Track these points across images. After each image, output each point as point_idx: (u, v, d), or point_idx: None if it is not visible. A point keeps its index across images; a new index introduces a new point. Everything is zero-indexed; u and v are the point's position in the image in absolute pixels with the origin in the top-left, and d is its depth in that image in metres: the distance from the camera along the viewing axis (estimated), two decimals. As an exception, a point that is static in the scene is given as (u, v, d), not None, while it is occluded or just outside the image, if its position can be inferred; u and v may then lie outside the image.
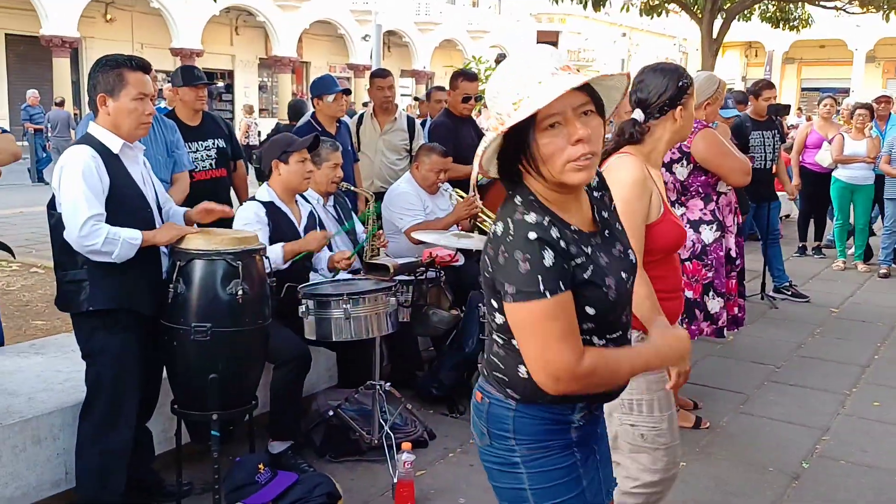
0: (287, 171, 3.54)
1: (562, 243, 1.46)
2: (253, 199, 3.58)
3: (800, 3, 14.13)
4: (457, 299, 4.06)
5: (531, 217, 1.46)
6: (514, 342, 1.54)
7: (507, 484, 1.62)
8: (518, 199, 1.51)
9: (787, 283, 6.49)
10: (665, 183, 3.70)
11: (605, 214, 1.65)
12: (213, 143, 4.48)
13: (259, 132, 17.17)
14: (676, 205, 3.69)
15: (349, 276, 3.67)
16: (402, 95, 32.99)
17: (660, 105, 2.32)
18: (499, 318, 1.55)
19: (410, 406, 3.69)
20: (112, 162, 2.68)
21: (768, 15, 14.56)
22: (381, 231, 4.30)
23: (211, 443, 2.81)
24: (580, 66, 38.81)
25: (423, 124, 6.30)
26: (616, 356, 1.54)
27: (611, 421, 2.33)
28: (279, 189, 3.57)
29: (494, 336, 1.61)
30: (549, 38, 40.15)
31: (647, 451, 2.29)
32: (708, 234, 3.63)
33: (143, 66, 2.76)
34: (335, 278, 3.57)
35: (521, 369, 1.55)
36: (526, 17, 37.96)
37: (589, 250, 1.52)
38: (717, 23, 13.44)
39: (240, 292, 2.72)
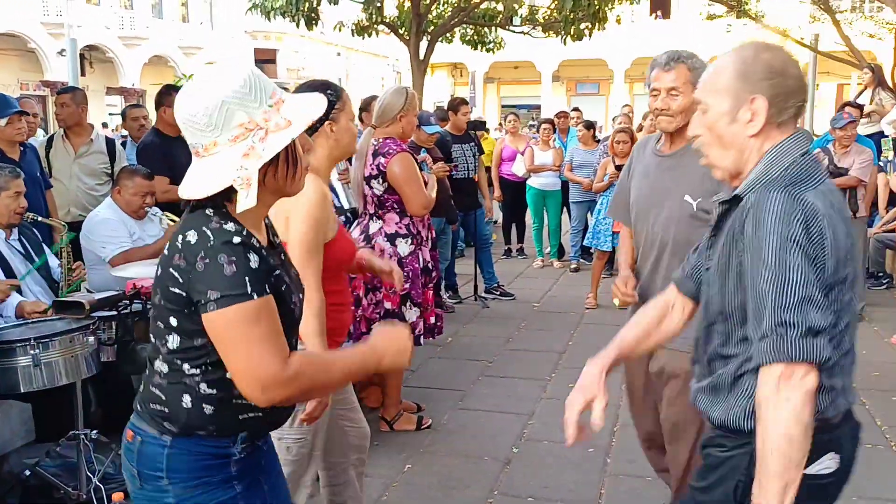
0: None
1: (263, 251, 1.48)
2: None
3: (493, 28, 15.53)
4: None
5: (230, 226, 1.45)
6: (185, 367, 1.50)
7: None
8: (210, 211, 1.47)
9: (496, 284, 7.08)
10: (365, 196, 3.84)
11: (275, 239, 1.68)
12: None
13: None
14: (374, 217, 3.84)
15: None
16: (110, 115, 30.52)
17: None
18: (172, 342, 1.49)
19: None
20: None
21: (468, 38, 15.80)
22: (78, 263, 3.95)
23: None
24: (300, 83, 38.86)
25: (123, 145, 5.89)
26: (325, 357, 1.55)
27: None
28: (-58, 226, 3.11)
29: (157, 365, 1.54)
30: (266, 56, 39.70)
31: (288, 464, 2.31)
32: (404, 247, 3.82)
33: None
34: (20, 322, 3.20)
35: (186, 399, 1.50)
36: (241, 34, 37.16)
37: (278, 264, 1.56)
38: (424, 44, 14.30)
39: None
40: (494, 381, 4.87)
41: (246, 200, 1.41)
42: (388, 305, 3.80)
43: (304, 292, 1.68)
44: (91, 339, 3.05)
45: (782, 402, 1.40)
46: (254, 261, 1.42)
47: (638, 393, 2.84)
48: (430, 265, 3.98)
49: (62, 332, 2.96)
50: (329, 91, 2.36)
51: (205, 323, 1.42)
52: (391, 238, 3.81)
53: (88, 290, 3.93)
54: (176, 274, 1.44)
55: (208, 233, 1.42)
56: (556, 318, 6.34)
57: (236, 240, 1.42)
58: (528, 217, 8.81)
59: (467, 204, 6.58)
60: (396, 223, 3.82)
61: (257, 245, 1.47)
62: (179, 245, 1.44)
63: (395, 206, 3.80)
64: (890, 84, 9.78)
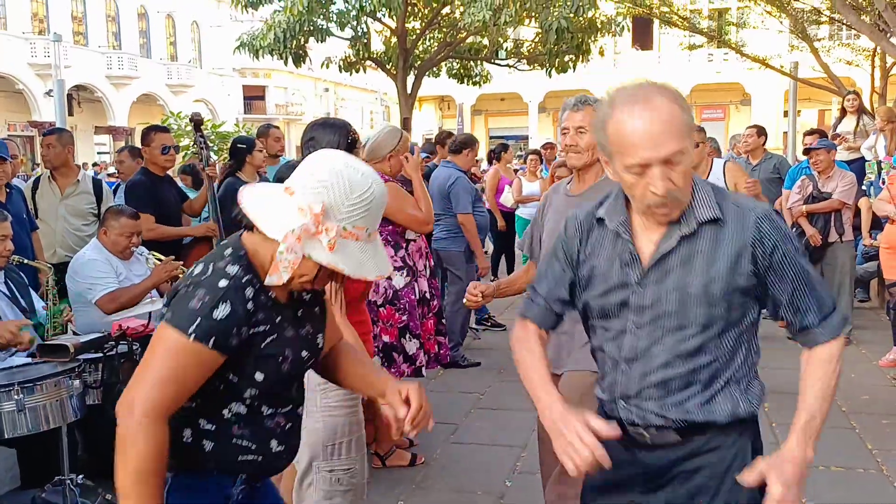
0: None
1: (249, 305, 1.46)
2: None
3: (479, 61, 15.74)
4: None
5: (232, 269, 1.47)
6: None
7: None
8: (228, 251, 1.51)
9: (487, 315, 7.06)
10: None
11: (305, 296, 1.67)
12: None
13: None
14: None
15: (23, 360, 3.28)
16: (98, 153, 30.57)
17: None
18: None
19: (110, 496, 3.36)
20: None
21: (454, 72, 15.99)
22: (65, 306, 3.92)
23: None
24: (289, 119, 39.24)
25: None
26: (155, 476, 1.41)
27: (308, 472, 2.36)
28: (-75, 269, 3.09)
29: None
30: (255, 93, 40.05)
31: (339, 494, 2.36)
32: (399, 280, 3.82)
33: None
34: (4, 367, 3.16)
35: (186, 433, 1.51)
36: (230, 71, 37.49)
37: (278, 319, 1.53)
38: (411, 79, 14.47)
39: None
40: (487, 413, 4.83)
41: (272, 278, 1.45)
42: (386, 339, 3.79)
43: (317, 350, 1.67)
44: (76, 382, 3.02)
45: (837, 368, 1.64)
46: (221, 311, 1.42)
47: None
48: (428, 294, 3.98)
49: (47, 376, 2.93)
50: (350, 131, 2.52)
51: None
52: None
53: (75, 332, 3.90)
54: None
55: (210, 268, 1.47)
56: (548, 348, 6.32)
57: (222, 283, 1.44)
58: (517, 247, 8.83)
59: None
60: (391, 257, 3.82)
61: (246, 297, 1.45)
62: (187, 274, 1.51)
63: (389, 238, 3.81)
64: (869, 109, 9.93)
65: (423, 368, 3.96)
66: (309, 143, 2.45)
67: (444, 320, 4.29)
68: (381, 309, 3.78)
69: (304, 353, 1.61)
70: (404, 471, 3.94)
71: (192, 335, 1.40)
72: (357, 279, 1.49)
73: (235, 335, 1.44)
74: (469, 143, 6.09)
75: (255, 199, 1.49)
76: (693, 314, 1.61)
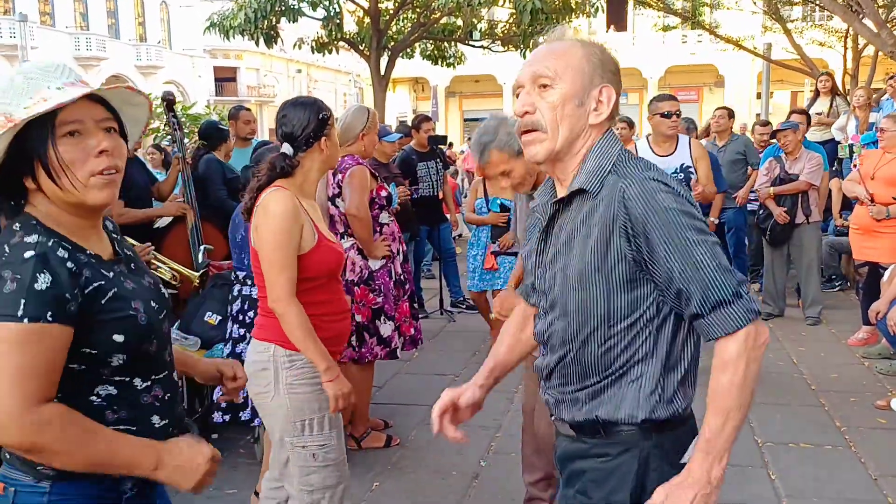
0: None
1: (69, 265, 1.33)
2: None
3: (453, 43, 15.64)
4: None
5: (31, 238, 1.32)
6: None
7: None
8: (17, 226, 1.36)
9: (462, 298, 7.07)
10: (332, 216, 3.83)
11: (129, 252, 1.57)
12: None
13: None
14: (345, 236, 3.82)
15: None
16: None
17: (305, 138, 2.42)
18: None
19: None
20: None
21: (428, 53, 15.87)
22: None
23: None
24: (261, 101, 38.77)
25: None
26: (94, 427, 1.33)
27: (282, 446, 2.36)
28: None
29: None
30: (226, 74, 39.54)
31: (317, 470, 2.37)
32: (374, 262, 3.82)
33: None
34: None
35: None
36: (200, 52, 36.96)
37: (111, 275, 1.42)
38: (384, 60, 14.35)
39: None
40: (462, 395, 4.85)
41: None
42: (358, 318, 3.79)
43: (164, 300, 1.56)
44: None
45: (751, 362, 1.39)
46: (42, 281, 1.28)
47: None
48: (402, 278, 3.99)
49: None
50: (322, 109, 2.46)
51: None
52: (363, 253, 3.82)
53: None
54: None
55: (6, 248, 1.32)
56: (523, 329, 6.36)
57: (28, 254, 1.30)
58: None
59: (433, 219, 6.58)
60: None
61: (62, 257, 1.33)
62: None
63: None
64: (841, 91, 10.03)
65: (398, 350, 3.96)
66: (282, 120, 2.47)
67: (415, 304, 4.29)
68: (355, 288, 3.78)
69: (154, 304, 1.49)
70: (379, 452, 3.95)
71: (25, 318, 1.26)
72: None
73: (71, 300, 1.31)
74: None
75: None
76: (571, 297, 1.48)
